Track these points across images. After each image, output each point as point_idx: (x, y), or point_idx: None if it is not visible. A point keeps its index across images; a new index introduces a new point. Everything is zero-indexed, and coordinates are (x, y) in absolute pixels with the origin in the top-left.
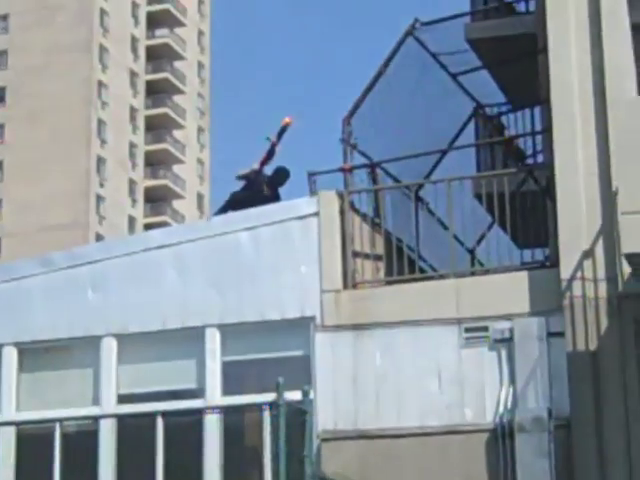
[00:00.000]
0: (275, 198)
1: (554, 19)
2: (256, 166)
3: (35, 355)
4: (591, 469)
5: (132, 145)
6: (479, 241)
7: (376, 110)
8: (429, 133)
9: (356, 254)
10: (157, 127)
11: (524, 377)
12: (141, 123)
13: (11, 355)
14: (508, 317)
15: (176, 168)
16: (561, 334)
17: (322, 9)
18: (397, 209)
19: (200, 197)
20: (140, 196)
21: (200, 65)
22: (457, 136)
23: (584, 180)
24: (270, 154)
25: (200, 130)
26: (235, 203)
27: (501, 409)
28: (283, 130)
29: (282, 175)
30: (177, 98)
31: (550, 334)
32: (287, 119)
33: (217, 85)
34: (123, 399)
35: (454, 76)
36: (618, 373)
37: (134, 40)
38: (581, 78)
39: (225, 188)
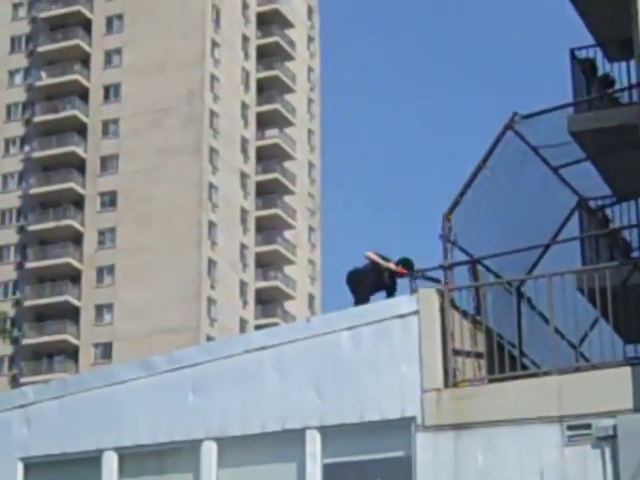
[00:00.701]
0: (392, 288)
1: None
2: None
3: (136, 460)
4: None
5: (243, 246)
6: (583, 337)
7: (476, 205)
8: (531, 228)
9: (457, 352)
10: (267, 228)
11: (628, 476)
12: (251, 224)
13: (112, 461)
14: (612, 414)
15: (287, 269)
16: None
17: (422, 109)
18: (498, 305)
19: (311, 298)
20: (251, 298)
21: (310, 165)
22: (560, 230)
23: None
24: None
25: (311, 230)
26: (357, 280)
27: None
28: (394, 273)
29: (407, 265)
30: (287, 198)
31: None
32: (402, 270)
33: (327, 185)
34: None
35: (555, 169)
36: None
37: (244, 141)
38: None
39: (337, 288)
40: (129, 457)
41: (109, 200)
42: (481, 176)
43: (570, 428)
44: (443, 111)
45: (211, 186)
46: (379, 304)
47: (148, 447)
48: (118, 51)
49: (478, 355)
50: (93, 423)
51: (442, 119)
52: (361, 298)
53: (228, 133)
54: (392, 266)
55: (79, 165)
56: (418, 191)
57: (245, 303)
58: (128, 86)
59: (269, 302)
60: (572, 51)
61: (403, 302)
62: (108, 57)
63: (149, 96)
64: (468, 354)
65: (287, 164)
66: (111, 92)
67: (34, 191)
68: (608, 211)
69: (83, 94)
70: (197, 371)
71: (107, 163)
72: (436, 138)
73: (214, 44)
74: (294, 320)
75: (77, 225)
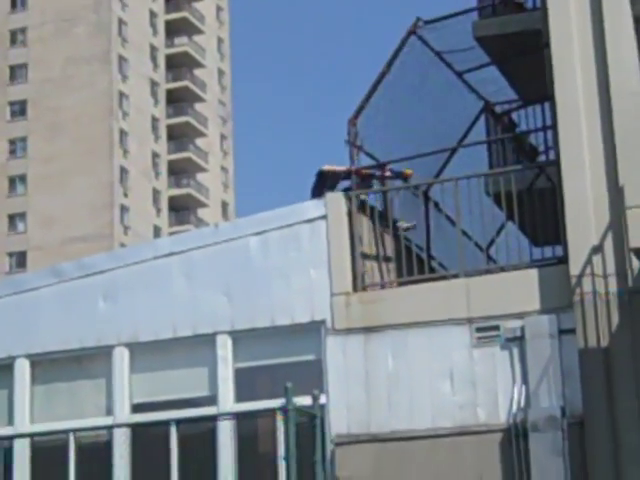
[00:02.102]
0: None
1: (556, 14)
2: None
3: (48, 367)
4: (606, 466)
5: (155, 154)
6: (491, 240)
7: (383, 111)
8: (437, 132)
9: (365, 256)
10: (179, 136)
11: (536, 376)
12: (163, 132)
13: (24, 367)
14: (519, 315)
15: (200, 176)
16: (572, 331)
17: (334, 8)
18: (406, 209)
19: (225, 205)
20: (164, 205)
21: (220, 72)
22: (466, 134)
23: (591, 176)
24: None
25: (223, 137)
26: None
27: (514, 409)
28: (399, 176)
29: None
30: (198, 106)
31: (562, 331)
32: (409, 171)
33: (238, 91)
34: (136, 408)
35: (460, 74)
36: (630, 369)
37: (153, 49)
38: (585, 73)
39: (250, 194)
40: (41, 364)
41: (19, 109)
42: (386, 82)
43: (478, 330)
44: (351, 18)
45: (121, 94)
46: (287, 209)
47: (60, 354)
48: None
49: (387, 259)
50: (4, 330)
51: (350, 26)
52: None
53: (137, 41)
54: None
55: None
56: (327, 97)
57: (158, 211)
58: None
59: (182, 210)
60: None
61: (311, 206)
62: None
63: (56, 5)
64: (377, 258)
65: (197, 72)
66: (18, 1)
67: None
68: (514, 115)
69: None
70: (107, 278)
71: (16, 72)
72: (345, 45)
73: None
74: None
75: None
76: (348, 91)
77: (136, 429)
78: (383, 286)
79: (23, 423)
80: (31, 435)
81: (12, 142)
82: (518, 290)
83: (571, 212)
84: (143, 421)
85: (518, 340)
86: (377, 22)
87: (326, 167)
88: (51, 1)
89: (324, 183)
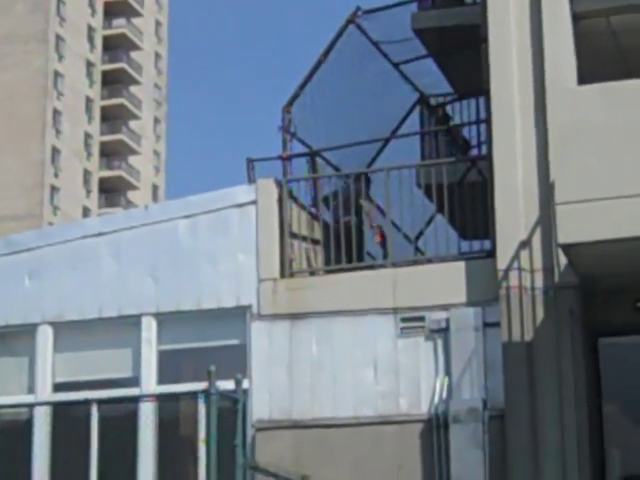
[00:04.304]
0: None
1: (494, 9)
2: None
3: None
4: (525, 459)
5: (87, 135)
6: (420, 232)
7: (317, 99)
8: (372, 123)
9: (294, 243)
10: (113, 117)
11: (459, 367)
12: (97, 113)
13: None
14: (445, 307)
15: (131, 159)
16: (497, 324)
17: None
18: (337, 198)
19: (155, 188)
20: (95, 187)
21: (157, 56)
22: (400, 125)
23: (522, 171)
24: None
25: (156, 121)
26: None
27: (436, 400)
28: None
29: None
30: (133, 89)
31: (486, 324)
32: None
33: (174, 76)
34: (58, 387)
35: (396, 65)
36: (553, 364)
37: (91, 30)
38: (521, 69)
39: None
40: None
41: None
42: (323, 69)
43: (404, 320)
44: (291, 4)
45: (57, 74)
46: (217, 193)
47: None
48: None
49: (315, 246)
50: None
51: (290, 13)
52: None
53: (75, 21)
54: None
55: None
56: (262, 84)
57: (89, 192)
58: None
59: (113, 191)
60: None
61: (241, 191)
62: None
63: None
64: (305, 245)
65: (134, 54)
66: None
67: None
68: (448, 108)
69: None
70: (33, 256)
71: None
72: (283, 31)
73: None
74: None
75: None
76: (284, 78)
77: (57, 408)
78: (311, 273)
79: None
80: None
81: None
82: (444, 282)
83: (501, 206)
84: (64, 400)
85: (443, 331)
86: (317, 9)
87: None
88: None
89: None
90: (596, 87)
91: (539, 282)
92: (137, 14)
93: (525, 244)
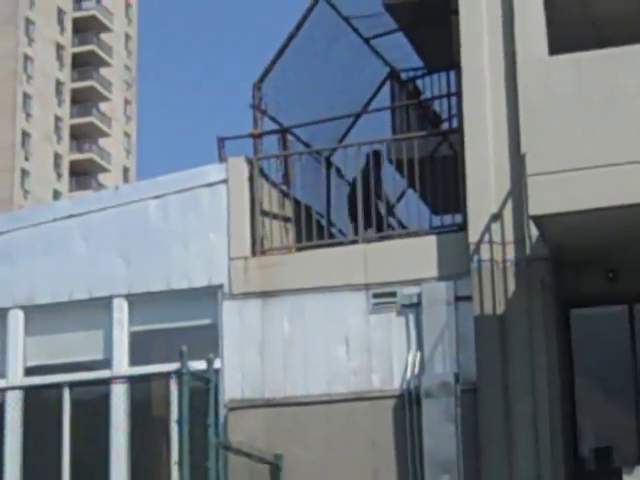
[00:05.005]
0: None
1: None
2: None
3: None
4: (497, 433)
5: (57, 118)
6: (392, 207)
7: (289, 75)
8: (342, 98)
9: (265, 221)
10: (83, 100)
11: (432, 342)
12: (67, 96)
13: None
14: (416, 282)
15: (102, 141)
16: (469, 298)
17: None
18: (308, 175)
19: (126, 170)
20: (65, 170)
21: (127, 37)
22: (371, 100)
23: (493, 144)
24: None
25: (127, 102)
26: None
27: (408, 375)
28: None
29: None
30: (103, 70)
31: (458, 298)
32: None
33: (144, 57)
34: (30, 371)
35: (367, 40)
36: (525, 336)
37: (60, 12)
38: (491, 41)
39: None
40: None
41: None
42: (293, 46)
43: (375, 296)
44: None
45: (26, 57)
46: (187, 172)
47: None
48: None
49: (286, 224)
50: None
51: None
52: None
53: (44, 4)
54: None
55: None
56: (233, 63)
57: (59, 175)
58: None
59: (84, 174)
60: None
61: (212, 170)
62: None
63: None
64: (276, 223)
65: (104, 36)
66: None
67: None
68: (419, 82)
69: None
70: (4, 239)
71: None
72: (253, 9)
73: None
74: None
75: None
76: (255, 55)
77: (29, 392)
78: (282, 251)
79: None
80: None
81: None
82: (416, 257)
83: (472, 179)
84: (36, 384)
85: (415, 306)
86: None
87: None
88: None
89: None
90: (567, 57)
91: (510, 255)
92: None
93: (496, 217)
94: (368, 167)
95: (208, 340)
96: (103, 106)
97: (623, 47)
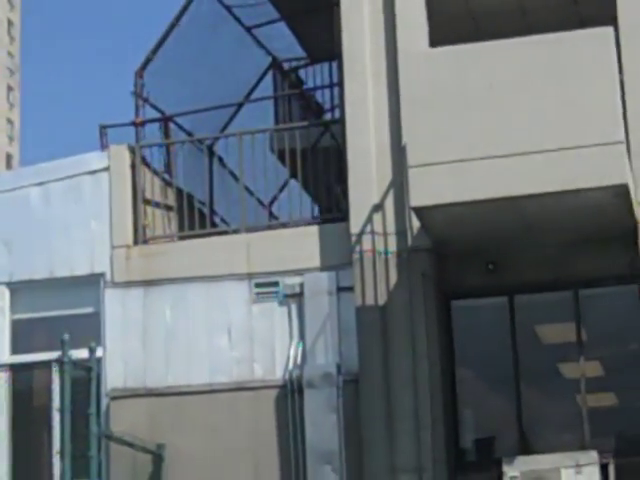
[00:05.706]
0: None
1: None
2: None
3: None
4: (379, 422)
5: None
6: (274, 197)
7: (171, 64)
8: (225, 87)
9: (147, 209)
10: None
11: (314, 333)
12: None
13: None
14: (299, 272)
15: None
16: (351, 289)
17: None
18: (190, 164)
19: (9, 157)
20: None
21: (10, 23)
22: (253, 90)
23: (375, 134)
24: None
25: (10, 89)
26: None
27: (290, 365)
28: None
29: None
30: None
31: (340, 289)
32: None
33: (28, 43)
34: None
35: (249, 29)
36: (406, 327)
37: None
38: (373, 31)
39: (35, 148)
40: None
41: None
42: (177, 34)
43: (258, 285)
44: None
45: None
46: (69, 160)
47: None
48: None
49: (168, 213)
50: None
51: None
52: None
53: None
54: None
55: None
56: (117, 51)
57: None
58: None
59: None
60: None
61: (93, 158)
62: None
63: None
64: (159, 211)
65: None
66: None
67: None
68: (302, 72)
69: None
70: None
71: None
72: None
73: None
74: None
75: None
76: (141, 43)
77: None
78: (164, 240)
79: None
80: None
81: None
82: (298, 247)
83: (353, 170)
84: None
85: (297, 297)
86: None
87: None
88: None
89: None
90: (447, 50)
91: (392, 246)
92: None
93: (378, 208)
94: None
95: (90, 329)
96: None
97: (501, 40)
